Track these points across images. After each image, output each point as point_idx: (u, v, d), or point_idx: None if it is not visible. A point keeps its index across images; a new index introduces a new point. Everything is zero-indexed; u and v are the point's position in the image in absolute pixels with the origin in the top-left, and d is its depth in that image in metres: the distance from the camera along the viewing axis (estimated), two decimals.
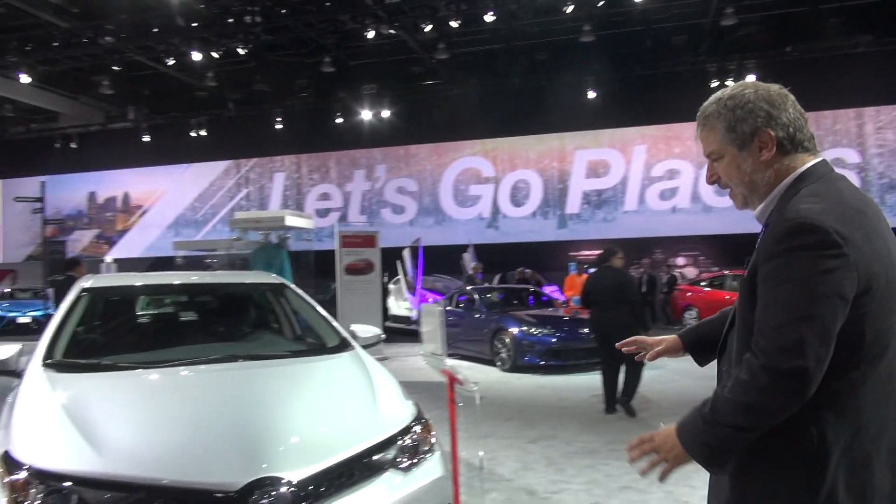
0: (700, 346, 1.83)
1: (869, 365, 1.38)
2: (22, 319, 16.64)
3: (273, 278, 4.54)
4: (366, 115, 20.37)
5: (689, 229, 18.84)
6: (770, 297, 1.38)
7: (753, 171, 1.52)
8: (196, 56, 16.03)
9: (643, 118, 19.09)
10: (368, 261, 11.73)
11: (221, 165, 23.40)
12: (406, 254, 17.42)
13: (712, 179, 1.61)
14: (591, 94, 18.53)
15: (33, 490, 2.22)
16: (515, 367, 9.55)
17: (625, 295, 6.79)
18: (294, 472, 2.37)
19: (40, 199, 16.25)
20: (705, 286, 14.97)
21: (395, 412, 2.91)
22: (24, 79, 16.85)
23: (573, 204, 20.20)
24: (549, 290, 14.22)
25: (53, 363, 3.11)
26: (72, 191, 24.44)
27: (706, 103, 1.59)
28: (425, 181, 21.57)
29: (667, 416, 2.06)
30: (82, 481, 2.25)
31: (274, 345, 3.91)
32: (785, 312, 1.35)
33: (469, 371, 3.68)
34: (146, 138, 21.85)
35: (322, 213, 21.67)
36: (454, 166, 21.23)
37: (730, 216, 16.89)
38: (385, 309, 14.27)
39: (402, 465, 2.68)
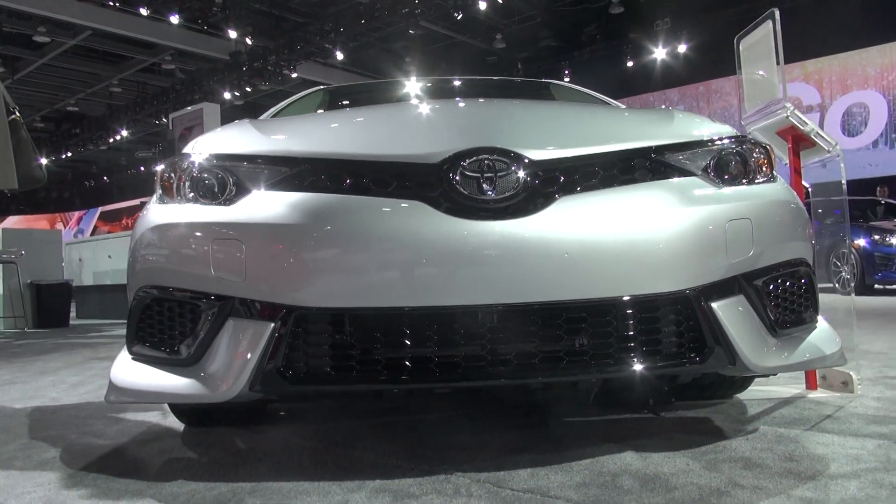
0: None
1: None
2: None
3: (538, 81, 3.73)
4: (659, 53, 18.66)
5: None
6: None
7: None
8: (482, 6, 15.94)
9: None
10: None
11: None
12: None
13: None
14: None
15: (184, 174, 1.72)
16: (864, 289, 7.45)
17: None
18: (533, 151, 1.52)
19: None
20: None
21: (707, 126, 1.90)
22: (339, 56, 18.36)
23: None
24: None
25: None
26: None
27: None
28: (732, 118, 18.96)
29: None
30: (236, 157, 1.68)
31: None
32: None
33: None
34: None
35: None
36: None
37: None
38: None
39: (716, 177, 1.66)
